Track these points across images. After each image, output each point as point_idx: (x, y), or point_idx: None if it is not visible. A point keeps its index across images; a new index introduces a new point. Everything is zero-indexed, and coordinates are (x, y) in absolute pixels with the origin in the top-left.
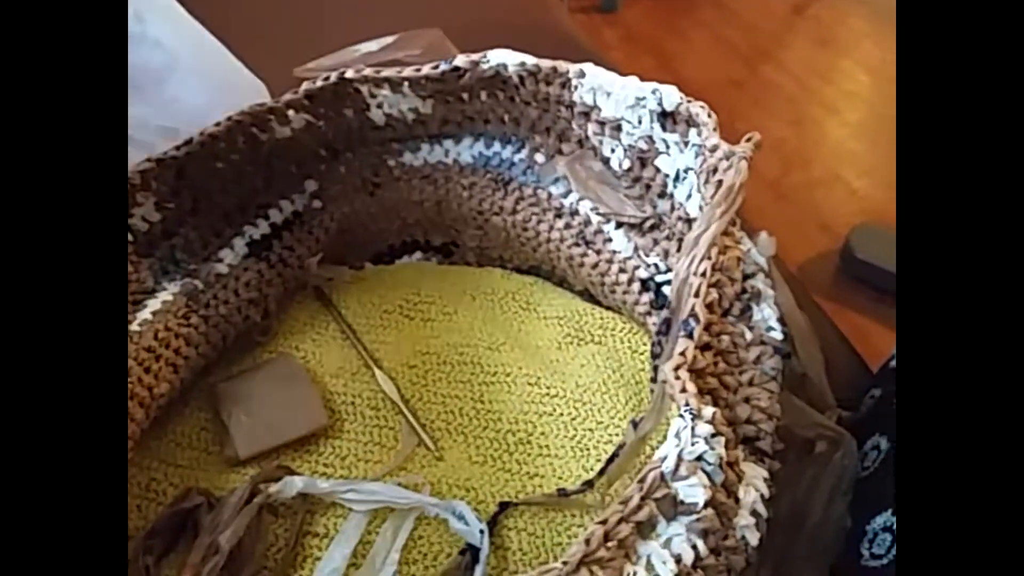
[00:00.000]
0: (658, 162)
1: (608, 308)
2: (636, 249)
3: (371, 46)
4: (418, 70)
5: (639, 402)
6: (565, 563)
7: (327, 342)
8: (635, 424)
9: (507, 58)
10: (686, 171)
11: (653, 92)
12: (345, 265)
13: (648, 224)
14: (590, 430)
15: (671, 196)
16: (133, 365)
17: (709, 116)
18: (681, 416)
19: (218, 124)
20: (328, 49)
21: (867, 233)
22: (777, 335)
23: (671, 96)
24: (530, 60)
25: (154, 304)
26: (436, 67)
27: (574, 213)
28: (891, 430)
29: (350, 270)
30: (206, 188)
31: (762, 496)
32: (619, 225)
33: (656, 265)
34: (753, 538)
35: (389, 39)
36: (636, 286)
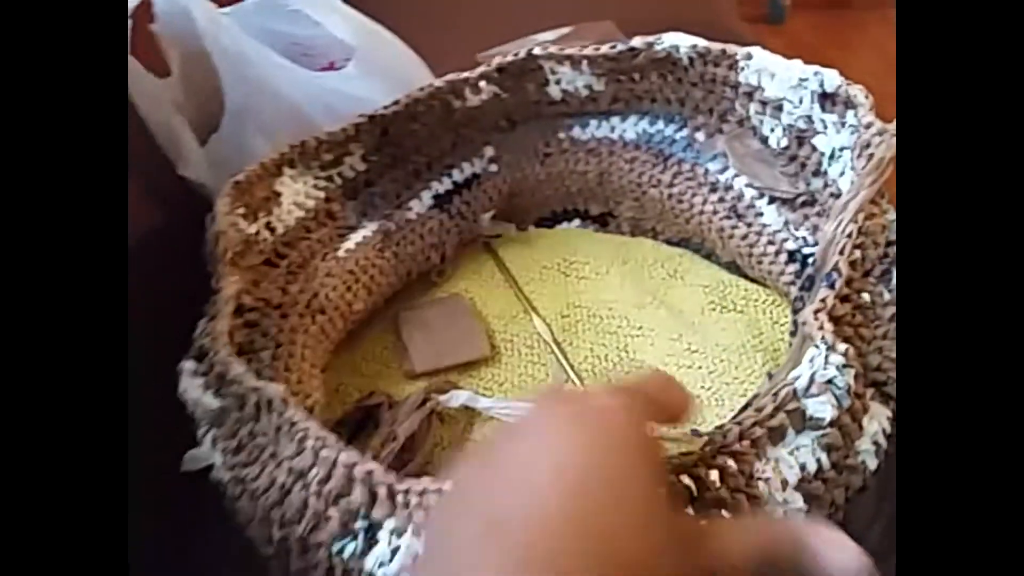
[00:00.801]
0: (815, 141)
1: (753, 281)
2: (786, 223)
3: (548, 36)
4: (597, 49)
5: (775, 366)
6: (704, 448)
7: (493, 288)
8: (770, 376)
9: (679, 40)
10: (841, 150)
11: (815, 74)
12: (512, 224)
13: (800, 200)
14: (727, 384)
15: (824, 174)
16: (338, 284)
17: (867, 97)
18: (816, 347)
19: (421, 89)
20: (505, 40)
21: None
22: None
23: (832, 78)
24: (701, 42)
25: (356, 237)
26: (613, 47)
27: (728, 188)
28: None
29: (517, 229)
30: (403, 146)
31: (883, 430)
32: (772, 200)
33: (804, 239)
34: (872, 462)
35: (565, 30)
36: (783, 257)
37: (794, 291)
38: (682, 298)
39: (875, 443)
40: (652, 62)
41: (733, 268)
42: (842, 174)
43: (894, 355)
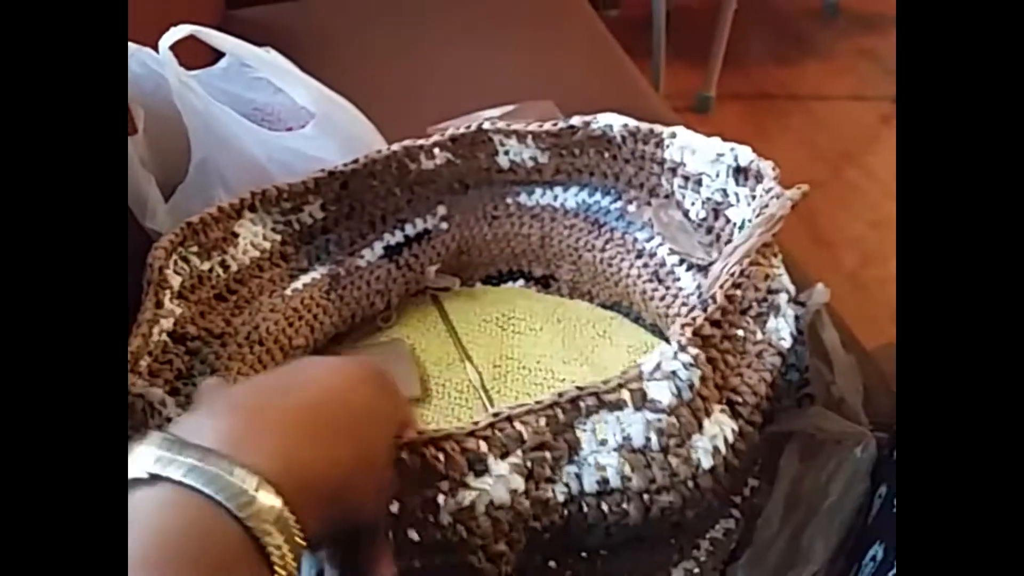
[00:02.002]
0: (728, 212)
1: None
2: (698, 287)
3: (493, 113)
4: (540, 126)
5: None
6: (539, 403)
7: (433, 337)
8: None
9: (613, 120)
10: (749, 222)
11: (731, 149)
12: (457, 278)
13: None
14: None
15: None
16: (279, 319)
17: (773, 170)
18: (670, 345)
19: (379, 152)
20: (453, 115)
21: None
22: (785, 343)
23: (745, 153)
24: (632, 122)
25: (305, 279)
26: (555, 124)
27: (652, 255)
28: (888, 538)
29: (462, 283)
30: (362, 199)
31: (725, 439)
32: (689, 267)
33: None
34: (706, 461)
35: (509, 107)
36: (697, 311)
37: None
38: (608, 357)
39: (714, 446)
40: (589, 139)
41: (657, 331)
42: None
43: (752, 380)
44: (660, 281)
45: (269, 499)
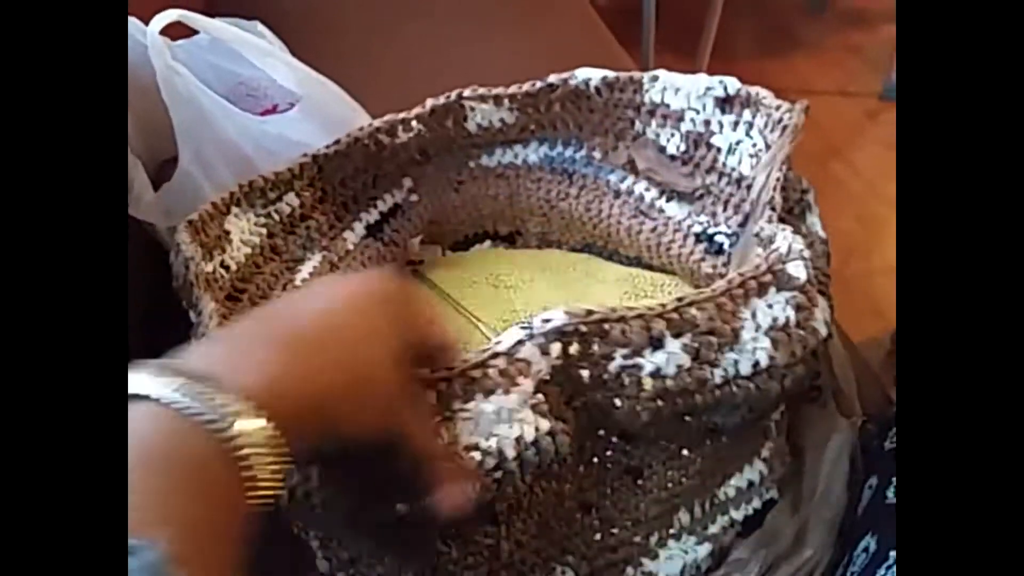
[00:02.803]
0: (712, 140)
1: (653, 269)
2: (689, 213)
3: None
4: (520, 86)
5: None
6: (714, 291)
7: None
8: None
9: (592, 73)
10: (738, 144)
11: (720, 82)
12: (439, 246)
13: (697, 194)
14: None
15: (720, 168)
16: None
17: (768, 92)
18: (782, 232)
19: (360, 129)
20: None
21: None
22: (821, 234)
23: (734, 83)
24: (611, 73)
25: (307, 268)
26: (534, 84)
27: (630, 192)
28: (881, 529)
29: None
30: (332, 182)
31: (827, 313)
32: (670, 198)
33: (707, 222)
34: (823, 331)
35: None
36: (691, 240)
37: (705, 267)
38: (601, 293)
39: (824, 318)
40: (566, 95)
41: (634, 263)
42: (740, 162)
43: (823, 268)
44: (645, 215)
45: (251, 421)
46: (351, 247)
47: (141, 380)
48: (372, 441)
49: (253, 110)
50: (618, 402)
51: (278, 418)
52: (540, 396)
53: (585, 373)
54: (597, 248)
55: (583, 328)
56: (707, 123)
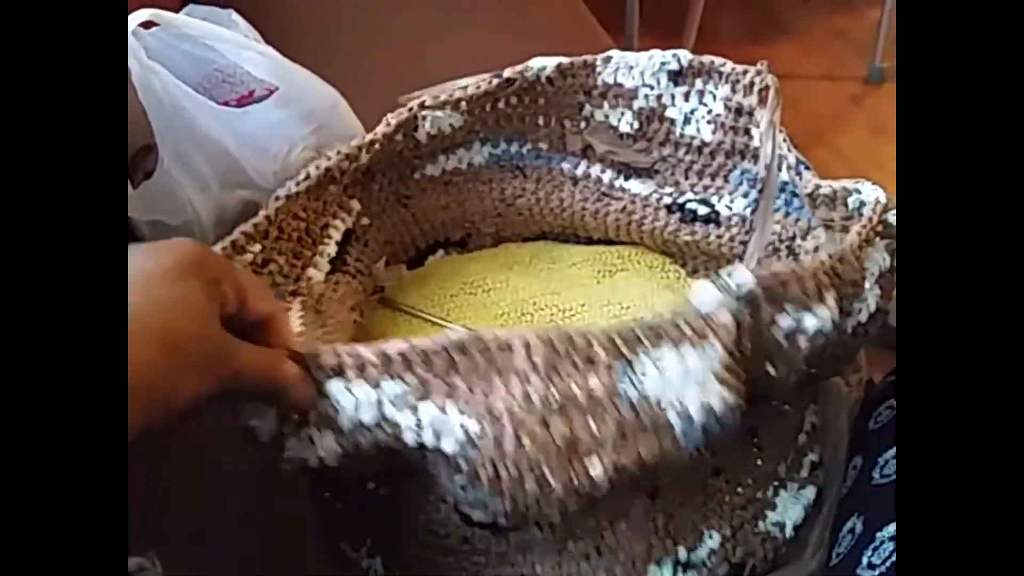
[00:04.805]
0: (666, 113)
1: (619, 243)
2: (653, 188)
3: (467, 81)
4: (478, 87)
5: (684, 288)
6: (852, 244)
7: (425, 331)
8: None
9: (546, 62)
10: (692, 112)
11: (673, 55)
12: (403, 265)
13: (655, 167)
14: None
15: (676, 139)
16: None
17: (724, 60)
18: (860, 191)
19: (307, 177)
20: (424, 85)
21: None
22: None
23: (685, 54)
24: (565, 60)
25: (293, 316)
26: (490, 81)
27: (588, 177)
28: (867, 511)
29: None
30: (281, 222)
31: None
32: (628, 176)
33: (672, 193)
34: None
35: (484, 76)
36: (663, 212)
37: (682, 235)
38: (576, 276)
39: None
40: (523, 89)
41: (592, 242)
42: (699, 130)
43: None
44: (608, 196)
45: None
46: (322, 287)
47: None
48: (210, 396)
49: (230, 97)
50: (772, 370)
51: None
52: (729, 363)
53: (762, 335)
54: (550, 236)
55: (767, 286)
56: (659, 98)
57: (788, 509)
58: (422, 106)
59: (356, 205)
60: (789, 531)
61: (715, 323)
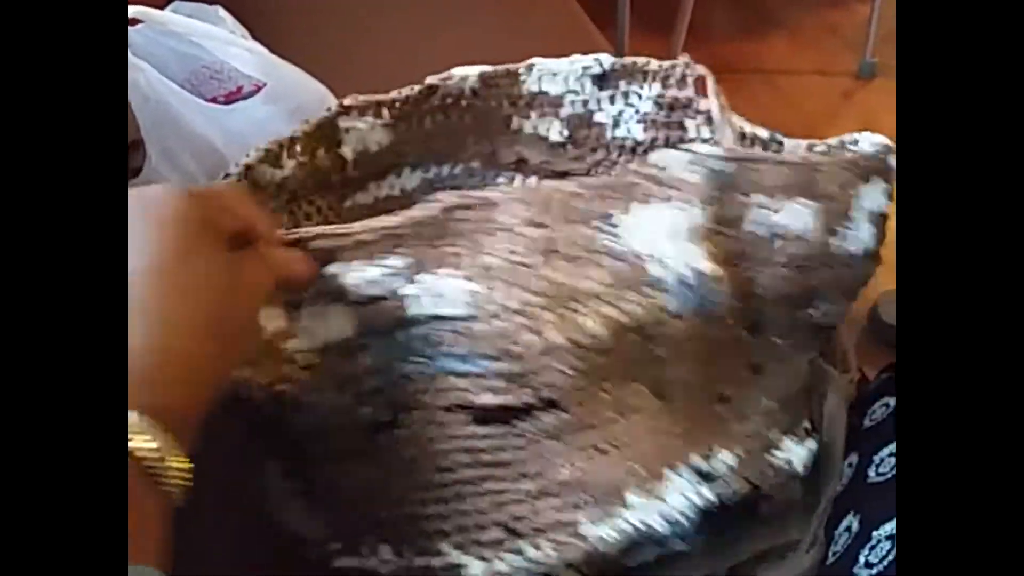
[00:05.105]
0: (595, 118)
1: None
2: None
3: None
4: (400, 91)
5: None
6: (835, 157)
7: None
8: None
9: (469, 71)
10: (619, 114)
11: (595, 59)
12: None
13: (590, 173)
14: None
15: (607, 142)
16: None
17: (648, 59)
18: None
19: (237, 164)
20: (411, 83)
21: (895, 299)
22: None
23: (607, 58)
24: (488, 68)
25: None
26: (412, 88)
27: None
28: (863, 509)
29: None
30: None
31: None
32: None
33: None
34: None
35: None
36: None
37: None
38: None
39: None
40: (442, 99)
41: None
42: (629, 130)
43: None
44: None
45: (145, 440)
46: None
47: None
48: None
49: (217, 93)
50: (756, 275)
51: (167, 424)
52: (707, 227)
53: (738, 224)
54: None
55: (740, 162)
56: (586, 103)
57: (793, 451)
58: (342, 106)
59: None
60: (798, 468)
61: (686, 183)
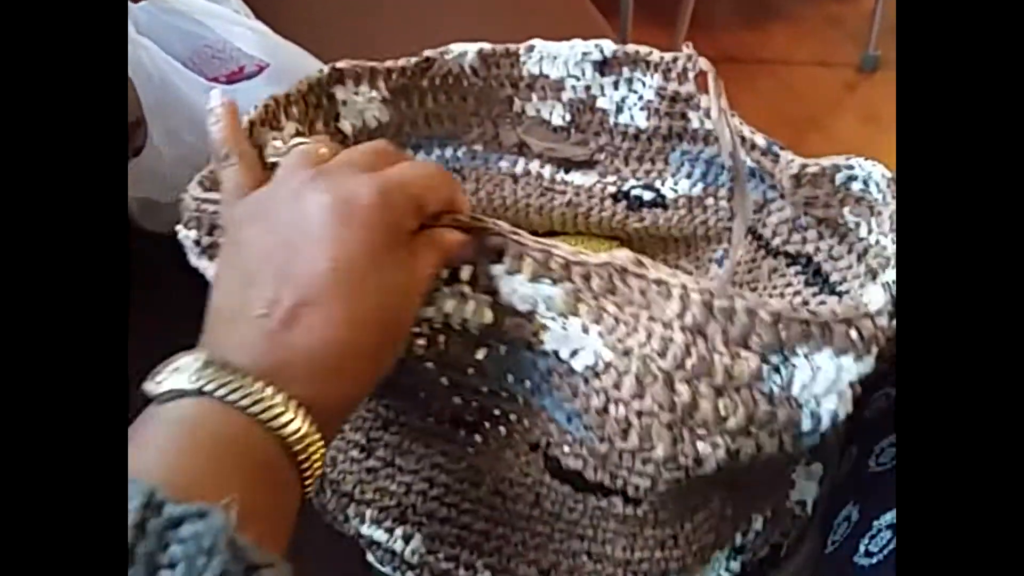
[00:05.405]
0: (597, 104)
1: (567, 235)
2: (595, 178)
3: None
4: (396, 61)
5: None
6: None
7: None
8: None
9: (468, 47)
10: (623, 100)
11: (596, 45)
12: None
13: (593, 158)
14: None
15: (610, 128)
16: None
17: (650, 49)
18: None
19: None
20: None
21: None
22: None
23: (609, 45)
24: (487, 46)
25: None
26: (408, 60)
27: (527, 173)
28: (863, 498)
29: None
30: None
31: None
32: (568, 168)
33: (615, 182)
34: None
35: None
36: (608, 202)
37: (631, 223)
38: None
39: None
40: (441, 75)
41: (537, 235)
42: (632, 117)
43: None
44: (551, 190)
45: (301, 424)
46: None
47: (193, 371)
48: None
49: (220, 73)
50: None
51: (320, 414)
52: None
53: None
54: None
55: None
56: (588, 88)
57: (803, 486)
58: (334, 69)
59: None
60: (809, 508)
61: (884, 333)
